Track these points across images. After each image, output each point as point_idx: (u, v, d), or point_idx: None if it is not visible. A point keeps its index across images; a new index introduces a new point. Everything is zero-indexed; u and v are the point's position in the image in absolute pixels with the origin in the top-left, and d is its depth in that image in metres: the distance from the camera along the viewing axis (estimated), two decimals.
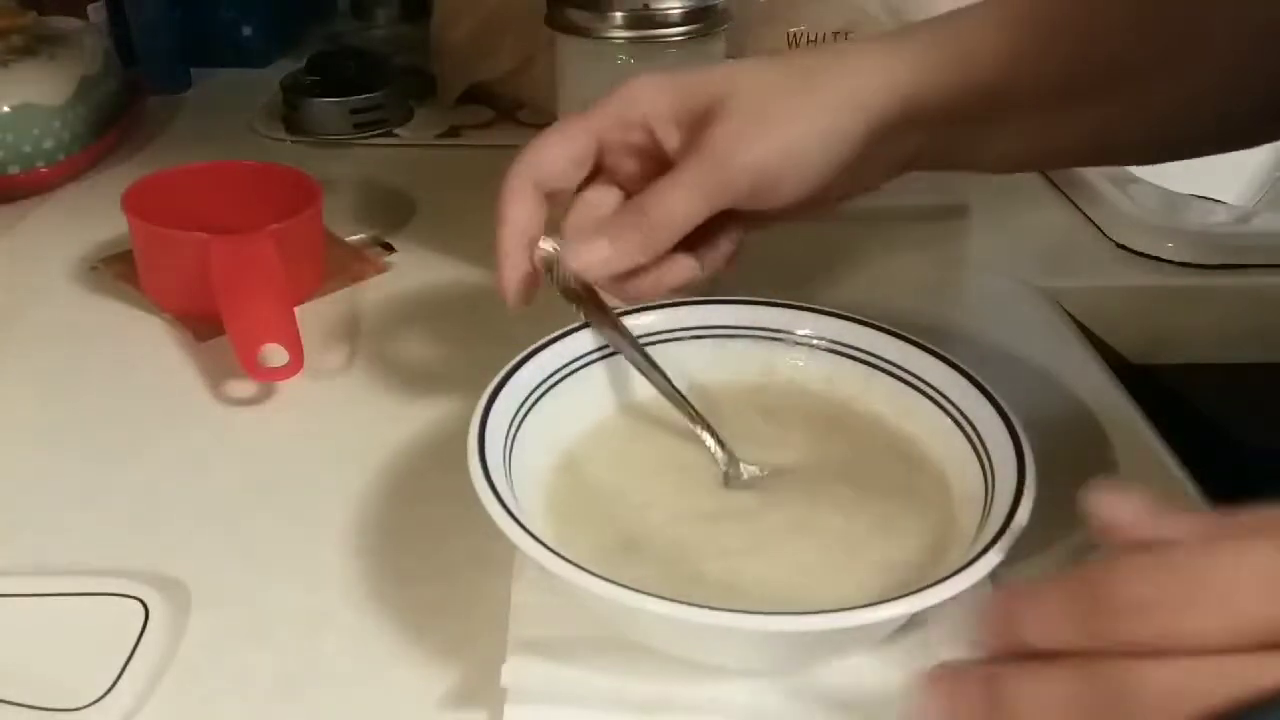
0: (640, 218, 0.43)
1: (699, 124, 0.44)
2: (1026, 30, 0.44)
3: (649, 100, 0.45)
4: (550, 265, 0.45)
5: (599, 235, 0.43)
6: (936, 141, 0.46)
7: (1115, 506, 0.30)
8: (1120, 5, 0.46)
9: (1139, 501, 0.29)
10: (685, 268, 0.45)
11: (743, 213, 0.45)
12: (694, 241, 0.45)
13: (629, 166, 0.46)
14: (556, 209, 0.46)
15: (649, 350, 0.44)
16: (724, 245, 0.47)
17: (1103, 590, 0.26)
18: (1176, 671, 0.25)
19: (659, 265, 0.44)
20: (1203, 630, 0.25)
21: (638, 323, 0.46)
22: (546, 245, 0.45)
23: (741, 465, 0.42)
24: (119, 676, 0.36)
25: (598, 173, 0.47)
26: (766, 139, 0.43)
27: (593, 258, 0.43)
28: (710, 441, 0.42)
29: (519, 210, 0.45)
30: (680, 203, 0.43)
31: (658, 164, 0.45)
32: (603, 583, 0.32)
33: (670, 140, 0.45)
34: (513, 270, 0.45)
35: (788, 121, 0.43)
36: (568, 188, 0.46)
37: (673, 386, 0.43)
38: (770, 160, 0.43)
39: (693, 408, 0.43)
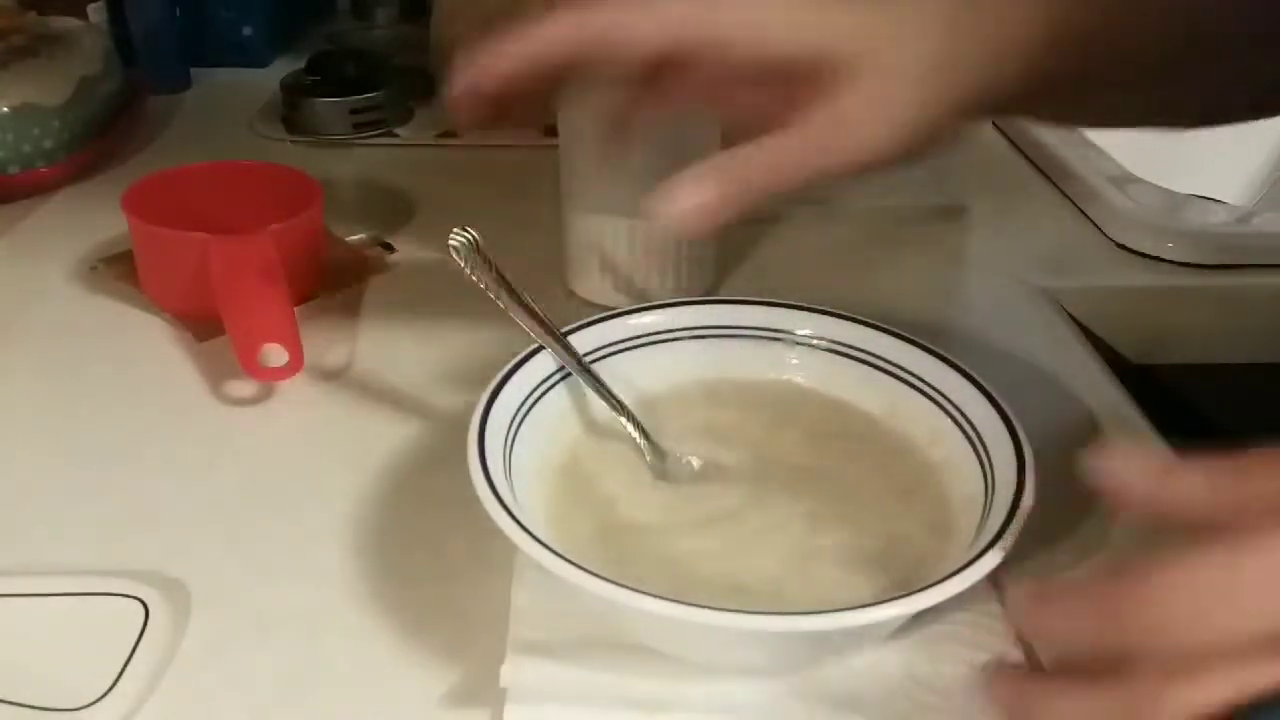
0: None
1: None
2: None
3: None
4: (462, 252, 0.43)
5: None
6: (1034, 88, 0.38)
7: (1123, 470, 0.30)
8: None
9: (1144, 461, 0.29)
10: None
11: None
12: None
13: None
14: None
15: (650, 349, 0.44)
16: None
17: (1128, 606, 0.27)
18: (1197, 693, 0.26)
19: None
20: (1222, 643, 0.26)
21: (639, 322, 0.46)
22: (459, 237, 0.43)
23: (689, 459, 0.42)
24: (119, 676, 0.36)
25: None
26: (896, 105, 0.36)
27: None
28: (634, 434, 0.43)
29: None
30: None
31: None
32: (603, 583, 0.32)
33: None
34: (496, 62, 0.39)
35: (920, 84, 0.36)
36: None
37: (600, 384, 0.43)
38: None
39: (617, 400, 0.43)
